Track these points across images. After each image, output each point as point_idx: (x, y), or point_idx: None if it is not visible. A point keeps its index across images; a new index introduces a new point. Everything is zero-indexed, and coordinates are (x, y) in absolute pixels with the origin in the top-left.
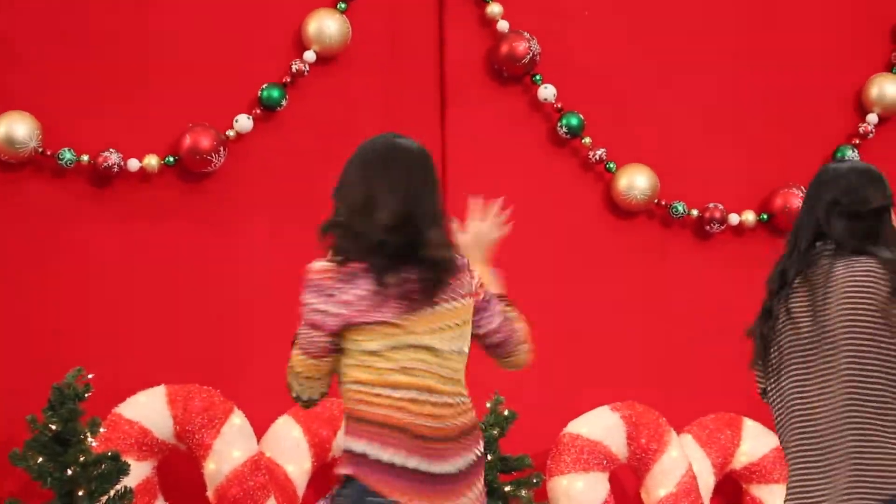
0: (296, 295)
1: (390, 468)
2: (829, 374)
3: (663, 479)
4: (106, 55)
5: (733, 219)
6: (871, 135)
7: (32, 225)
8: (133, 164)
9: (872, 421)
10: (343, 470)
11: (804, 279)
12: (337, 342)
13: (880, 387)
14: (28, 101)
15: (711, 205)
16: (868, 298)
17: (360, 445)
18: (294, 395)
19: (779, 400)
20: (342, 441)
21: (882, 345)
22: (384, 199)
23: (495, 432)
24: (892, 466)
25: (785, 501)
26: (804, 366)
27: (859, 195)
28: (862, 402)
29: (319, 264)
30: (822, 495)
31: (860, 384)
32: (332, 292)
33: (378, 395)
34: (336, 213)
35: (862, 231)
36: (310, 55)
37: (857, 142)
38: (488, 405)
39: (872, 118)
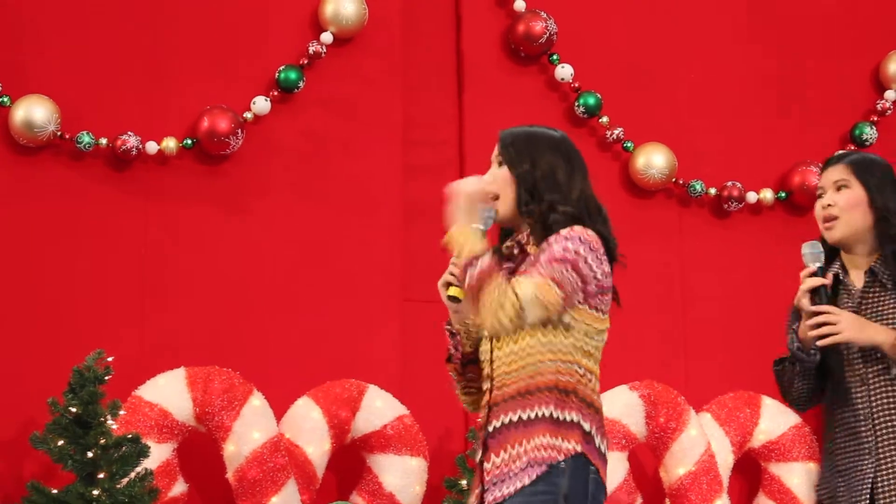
0: (313, 275)
1: (603, 458)
2: None
3: (682, 457)
4: (124, 39)
5: (751, 197)
6: (889, 112)
7: (52, 208)
8: (151, 146)
9: None
10: (570, 444)
11: None
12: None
13: None
14: (47, 84)
15: (729, 183)
16: None
17: (586, 425)
18: (512, 315)
19: None
20: (543, 410)
21: None
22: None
23: None
24: None
25: None
26: None
27: None
28: None
29: (588, 230)
30: None
31: None
32: (602, 258)
33: (595, 382)
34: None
35: None
36: (327, 37)
37: (876, 119)
38: None
39: (891, 95)
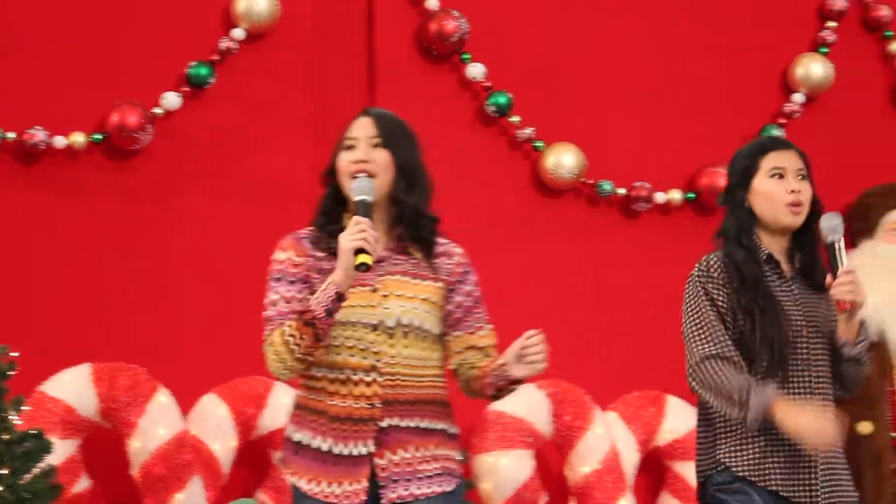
0: (224, 272)
1: None
2: None
3: (587, 456)
4: (32, 32)
5: (659, 197)
6: (796, 114)
7: None
8: (60, 141)
9: None
10: (460, 457)
11: None
12: None
13: None
14: None
15: (638, 183)
16: None
17: None
18: None
19: None
20: (439, 425)
21: None
22: None
23: None
24: None
25: None
26: None
27: None
28: None
29: None
30: None
31: None
32: None
33: None
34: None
35: None
36: (238, 33)
37: (783, 121)
38: None
39: (798, 98)
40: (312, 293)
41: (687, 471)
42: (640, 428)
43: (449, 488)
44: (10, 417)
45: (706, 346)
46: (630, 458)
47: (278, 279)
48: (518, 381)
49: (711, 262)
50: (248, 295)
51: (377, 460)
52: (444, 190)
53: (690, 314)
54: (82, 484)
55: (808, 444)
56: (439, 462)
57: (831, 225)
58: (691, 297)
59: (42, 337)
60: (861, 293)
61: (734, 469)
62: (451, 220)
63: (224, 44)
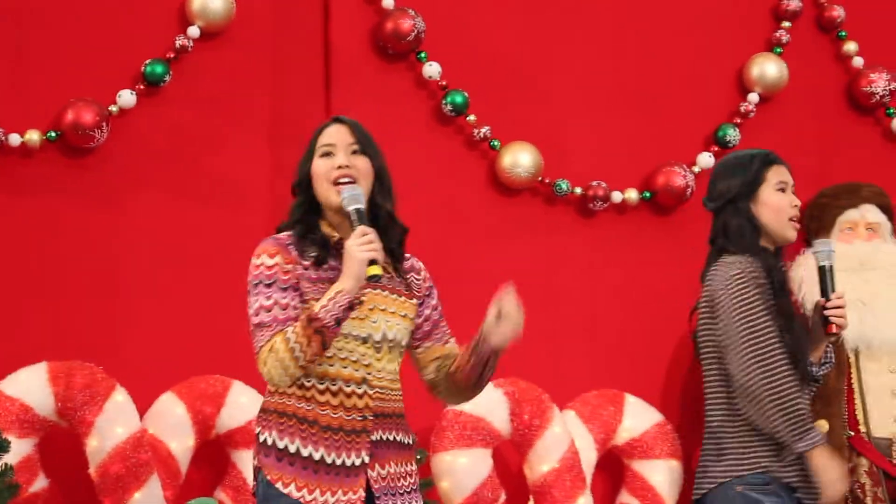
0: (179, 270)
1: None
2: None
3: (546, 455)
4: None
5: (616, 197)
6: (752, 114)
7: None
8: (14, 139)
9: None
10: None
11: None
12: None
13: None
14: None
15: (595, 183)
16: None
17: None
18: None
19: None
20: (409, 439)
21: None
22: None
23: None
24: None
25: None
26: None
27: None
28: None
29: None
30: None
31: None
32: None
33: None
34: None
35: None
36: (194, 31)
37: (739, 121)
38: None
39: (753, 97)
40: (303, 302)
41: (645, 469)
42: (599, 427)
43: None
44: None
45: (780, 356)
46: (588, 457)
47: (269, 284)
48: (496, 353)
49: (751, 265)
50: (205, 294)
51: (370, 472)
52: (400, 189)
53: (750, 319)
54: (40, 483)
55: (829, 496)
56: (412, 477)
57: (826, 250)
58: (747, 301)
59: None
60: (846, 319)
61: (777, 474)
62: (408, 219)
63: (180, 41)
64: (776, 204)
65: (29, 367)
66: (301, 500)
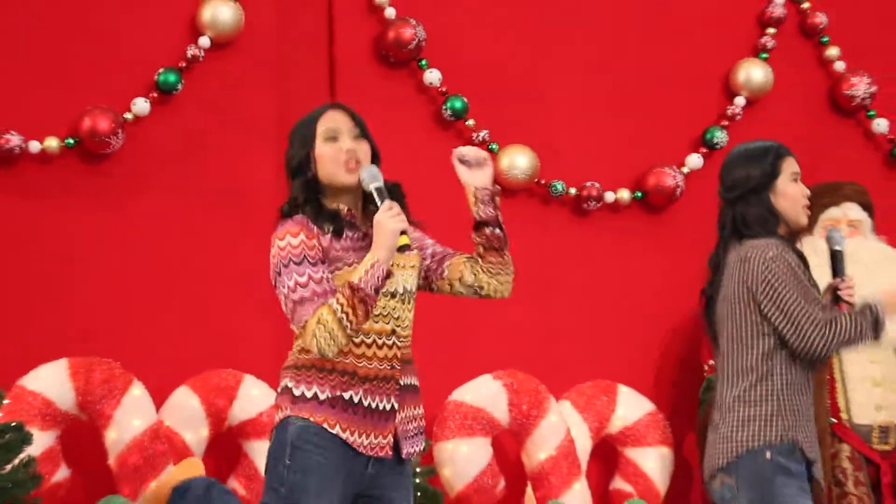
0: (192, 270)
1: None
2: None
3: (543, 443)
4: (5, 42)
5: (609, 197)
6: (738, 117)
7: None
8: (34, 145)
9: None
10: None
11: None
12: None
13: None
14: None
15: (588, 183)
16: None
17: None
18: None
19: None
20: (417, 381)
21: None
22: None
23: None
24: None
25: None
26: None
27: None
28: None
29: None
30: None
31: None
32: None
33: None
34: None
35: None
36: (204, 41)
37: (726, 123)
38: None
39: (740, 101)
40: (332, 272)
41: (638, 456)
42: (593, 416)
43: (421, 447)
44: None
45: (817, 314)
46: (583, 445)
47: (299, 262)
48: (492, 195)
49: (781, 247)
50: (216, 292)
51: (398, 415)
52: (403, 189)
53: (792, 290)
54: (61, 473)
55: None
56: (420, 420)
57: (839, 235)
58: (783, 277)
59: (20, 333)
60: (856, 299)
61: (801, 444)
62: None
63: (191, 51)
64: (792, 193)
65: (50, 363)
66: (345, 439)
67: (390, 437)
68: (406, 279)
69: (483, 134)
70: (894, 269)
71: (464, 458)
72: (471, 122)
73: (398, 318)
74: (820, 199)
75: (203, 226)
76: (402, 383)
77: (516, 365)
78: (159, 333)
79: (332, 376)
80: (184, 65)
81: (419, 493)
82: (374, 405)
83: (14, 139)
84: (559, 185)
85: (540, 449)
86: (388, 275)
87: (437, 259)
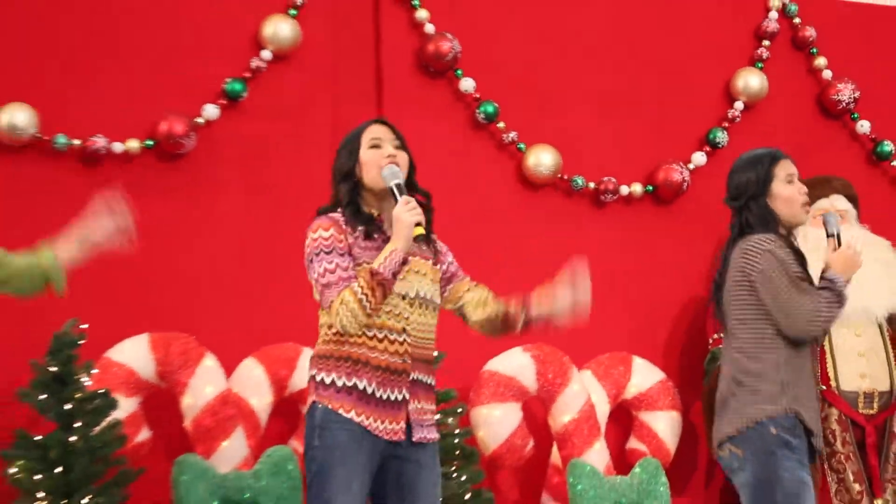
0: (255, 256)
1: None
2: None
3: (566, 408)
4: (93, 55)
5: (623, 190)
6: (737, 119)
7: (32, 201)
8: (117, 147)
9: None
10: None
11: None
12: None
13: None
14: (27, 93)
15: (605, 178)
16: None
17: None
18: None
19: None
20: (433, 381)
21: None
22: None
23: None
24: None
25: None
26: None
27: None
28: None
29: None
30: None
31: None
32: None
33: None
34: None
35: None
36: (266, 54)
37: (727, 125)
38: None
39: (739, 105)
40: (357, 265)
41: (650, 419)
42: (611, 384)
43: (435, 437)
44: (81, 380)
45: (805, 303)
46: (602, 410)
47: (329, 252)
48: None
49: (776, 241)
50: (278, 276)
51: (410, 406)
52: (441, 185)
53: (782, 281)
54: (143, 435)
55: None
56: (433, 414)
57: (834, 220)
58: (776, 269)
59: (106, 312)
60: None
61: (801, 416)
62: (447, 211)
63: (255, 63)
64: (787, 195)
65: (133, 337)
66: (360, 422)
67: (403, 424)
68: (422, 286)
69: (512, 135)
70: (876, 252)
71: (497, 421)
72: (501, 124)
73: (408, 320)
74: (811, 192)
75: (265, 217)
76: (413, 378)
77: (543, 338)
78: (229, 311)
79: (348, 364)
80: (248, 75)
81: (457, 452)
82: (384, 396)
83: (100, 141)
84: (579, 180)
85: (564, 413)
86: (405, 262)
87: (446, 278)
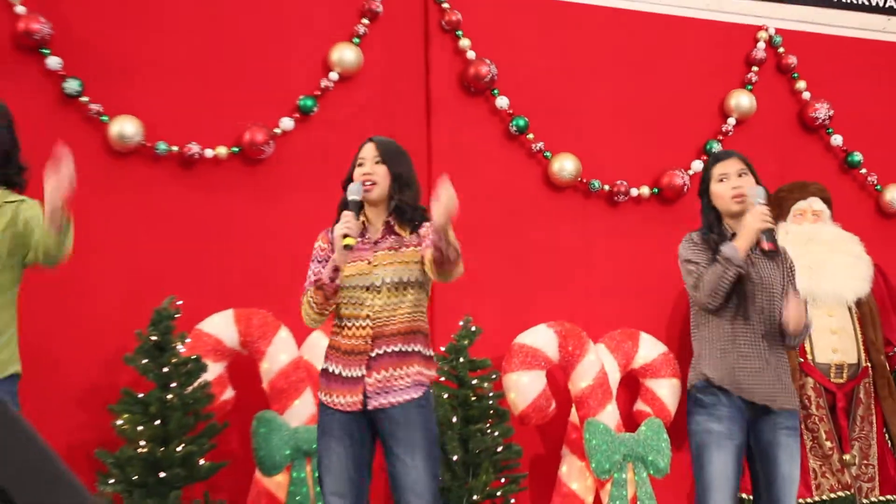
0: None
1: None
2: None
3: (584, 375)
4: (190, 72)
5: (634, 192)
6: (730, 133)
7: (138, 198)
8: (209, 152)
9: None
10: (431, 373)
11: None
12: None
13: None
14: (134, 106)
15: (618, 182)
16: None
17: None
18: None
19: None
20: (416, 347)
21: None
22: None
23: (466, 342)
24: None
25: None
26: None
27: None
28: None
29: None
30: None
31: None
32: None
33: None
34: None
35: None
36: (334, 75)
37: (721, 138)
38: (461, 323)
39: (731, 121)
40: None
41: (655, 385)
42: (621, 355)
43: (416, 395)
44: (177, 347)
45: (695, 275)
46: (614, 377)
47: (312, 260)
48: (442, 228)
49: (697, 234)
50: None
51: (367, 379)
52: (479, 189)
53: (686, 262)
54: (228, 394)
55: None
56: (411, 377)
57: (757, 191)
58: (685, 253)
59: (198, 290)
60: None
61: (712, 378)
62: (484, 210)
63: (324, 83)
64: (718, 192)
65: (220, 312)
66: (327, 402)
67: (359, 396)
68: (386, 273)
69: (540, 145)
70: (847, 246)
71: (525, 386)
72: (530, 136)
73: (370, 306)
74: (791, 195)
75: (329, 212)
76: (374, 353)
77: (565, 316)
78: (300, 291)
79: (331, 351)
80: (318, 93)
81: (491, 412)
82: (345, 374)
83: (194, 147)
84: (596, 183)
85: (581, 379)
86: (336, 269)
87: (421, 253)
